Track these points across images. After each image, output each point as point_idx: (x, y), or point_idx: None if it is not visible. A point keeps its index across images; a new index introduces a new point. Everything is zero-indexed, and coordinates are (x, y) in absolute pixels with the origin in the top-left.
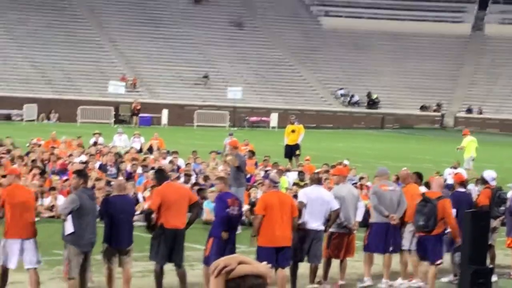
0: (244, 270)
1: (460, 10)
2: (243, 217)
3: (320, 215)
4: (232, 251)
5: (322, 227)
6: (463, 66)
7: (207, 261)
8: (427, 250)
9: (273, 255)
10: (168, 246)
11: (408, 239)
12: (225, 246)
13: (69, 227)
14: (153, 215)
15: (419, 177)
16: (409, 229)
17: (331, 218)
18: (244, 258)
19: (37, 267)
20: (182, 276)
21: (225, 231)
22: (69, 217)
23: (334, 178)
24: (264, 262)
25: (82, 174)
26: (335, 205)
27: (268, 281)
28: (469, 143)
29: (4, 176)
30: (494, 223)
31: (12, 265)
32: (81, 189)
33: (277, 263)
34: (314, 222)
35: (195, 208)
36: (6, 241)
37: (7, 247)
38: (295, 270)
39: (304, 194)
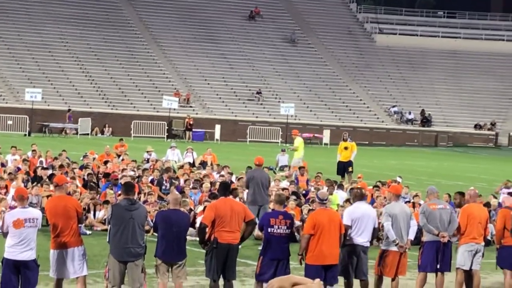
0: None
1: None
2: (296, 233)
3: (366, 231)
4: (284, 268)
5: (368, 243)
6: None
7: (258, 278)
8: None
9: (321, 273)
10: (221, 261)
11: (465, 259)
12: (276, 265)
13: (108, 236)
14: (207, 230)
15: (463, 196)
16: (468, 249)
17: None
18: (298, 279)
19: (85, 275)
20: None
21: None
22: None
23: (388, 195)
24: (317, 280)
25: (123, 185)
26: (375, 224)
27: None
28: (301, 144)
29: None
30: None
31: (63, 275)
32: (121, 200)
33: (325, 281)
34: (360, 237)
35: (250, 226)
36: (53, 252)
37: (55, 258)
38: (349, 286)
39: (348, 216)
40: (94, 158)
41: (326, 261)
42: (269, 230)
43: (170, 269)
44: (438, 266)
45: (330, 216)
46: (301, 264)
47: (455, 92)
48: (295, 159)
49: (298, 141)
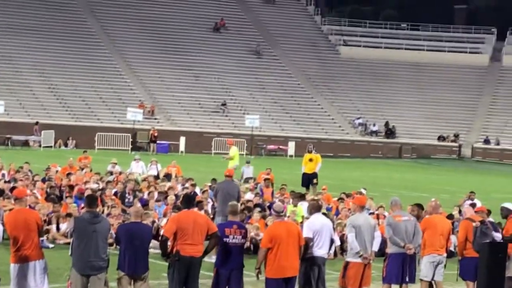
0: None
1: (479, 41)
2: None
3: (326, 243)
4: (238, 280)
5: (327, 255)
6: (481, 97)
7: None
8: None
9: (282, 286)
10: (183, 274)
11: (427, 270)
12: (229, 275)
13: (70, 249)
14: (169, 243)
15: (421, 208)
16: (430, 260)
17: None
18: None
19: None
20: None
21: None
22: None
23: (352, 206)
24: None
25: (86, 198)
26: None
27: None
28: (236, 153)
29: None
30: None
31: None
32: (83, 212)
33: None
34: (321, 250)
35: (213, 238)
36: (14, 266)
37: (15, 272)
38: None
39: (308, 228)
40: (57, 171)
41: (286, 274)
42: (224, 240)
43: (132, 282)
44: (405, 278)
45: (288, 229)
46: (258, 278)
47: (419, 104)
48: (232, 166)
49: (233, 151)
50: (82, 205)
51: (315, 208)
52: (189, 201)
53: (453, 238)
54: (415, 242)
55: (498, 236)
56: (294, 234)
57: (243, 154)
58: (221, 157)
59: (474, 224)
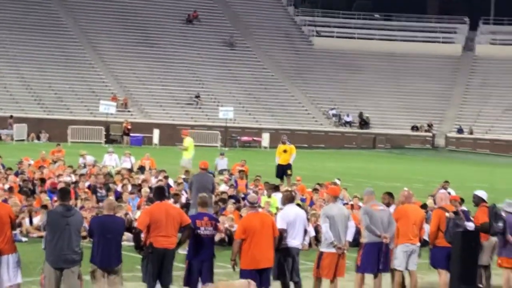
0: None
1: (451, 31)
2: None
3: (300, 233)
4: (209, 271)
5: (301, 246)
6: (454, 87)
7: (187, 282)
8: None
9: (256, 277)
10: (157, 266)
11: (401, 259)
12: (201, 267)
13: (43, 243)
14: (142, 235)
15: (391, 196)
16: (403, 249)
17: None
18: (238, 286)
19: (19, 283)
20: None
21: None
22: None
23: (326, 197)
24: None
25: (59, 191)
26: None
27: None
28: (191, 144)
29: None
30: (494, 239)
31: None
32: (56, 206)
33: (260, 285)
34: (295, 240)
35: (186, 230)
36: None
37: None
38: None
39: (282, 219)
40: (29, 164)
41: (260, 265)
42: (196, 232)
43: (106, 275)
44: (380, 267)
45: (262, 220)
46: (234, 269)
47: (393, 94)
48: (184, 159)
49: (188, 141)
50: (55, 198)
51: (288, 199)
52: (161, 193)
53: (426, 227)
54: (389, 232)
55: (471, 226)
56: (268, 225)
57: (217, 146)
58: (177, 147)
59: (447, 214)
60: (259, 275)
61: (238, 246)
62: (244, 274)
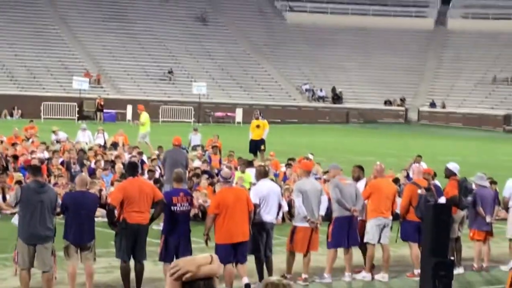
0: (203, 274)
1: (424, 5)
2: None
3: (274, 208)
4: (186, 247)
5: (275, 220)
6: (427, 61)
7: (163, 258)
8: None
9: (231, 252)
10: (131, 242)
11: (373, 233)
12: (178, 242)
13: (15, 219)
14: (116, 211)
15: (361, 170)
16: (376, 223)
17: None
18: (201, 260)
19: None
20: (138, 273)
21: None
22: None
23: (299, 172)
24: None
25: (30, 168)
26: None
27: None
28: (147, 119)
29: None
30: (462, 213)
31: None
32: (29, 182)
33: (235, 259)
34: (268, 215)
35: (159, 205)
36: None
37: None
38: (260, 263)
39: (255, 194)
40: (1, 141)
41: (234, 239)
42: (172, 208)
43: (79, 251)
44: (348, 241)
45: (236, 194)
46: (206, 244)
47: (365, 69)
48: (141, 133)
49: (144, 116)
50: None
51: (262, 173)
52: (134, 169)
53: (398, 201)
54: (358, 205)
55: (442, 200)
56: (242, 199)
57: (190, 122)
58: (133, 122)
59: (419, 191)
60: (234, 250)
61: (211, 221)
62: (219, 248)
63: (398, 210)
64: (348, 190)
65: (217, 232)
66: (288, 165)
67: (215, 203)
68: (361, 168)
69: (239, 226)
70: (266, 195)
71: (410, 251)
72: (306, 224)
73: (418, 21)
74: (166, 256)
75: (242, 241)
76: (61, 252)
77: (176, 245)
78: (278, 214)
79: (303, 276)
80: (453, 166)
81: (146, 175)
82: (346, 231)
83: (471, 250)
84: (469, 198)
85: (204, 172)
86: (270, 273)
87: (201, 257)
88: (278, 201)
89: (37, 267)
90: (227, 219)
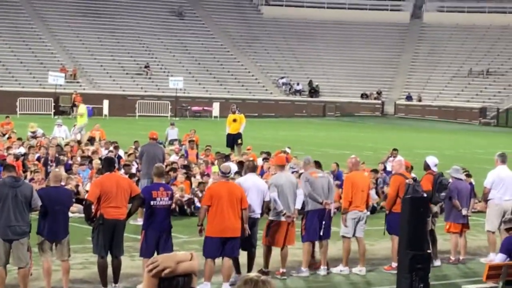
0: (182, 270)
1: None
2: (186, 207)
3: (257, 203)
4: (167, 242)
5: (258, 215)
6: (403, 54)
7: (143, 254)
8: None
9: (219, 245)
10: (108, 237)
11: (351, 227)
12: (158, 238)
13: None
14: (93, 207)
15: (318, 165)
16: (351, 216)
17: (265, 208)
18: (180, 256)
19: None
20: (115, 268)
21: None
22: None
23: (273, 166)
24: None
25: (3, 165)
26: (267, 197)
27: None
28: (85, 111)
29: None
30: (435, 208)
31: None
32: (4, 177)
33: (224, 253)
34: (250, 209)
35: (136, 200)
36: None
37: None
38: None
39: (238, 185)
40: None
41: (224, 233)
42: (152, 203)
43: (53, 247)
44: (321, 234)
45: (230, 189)
46: (200, 235)
47: (342, 62)
48: (80, 125)
49: (83, 108)
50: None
51: (250, 168)
52: (110, 164)
53: (372, 193)
54: (330, 198)
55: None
56: (236, 195)
57: (167, 116)
58: (72, 115)
59: (407, 180)
60: (223, 245)
61: (204, 212)
62: (207, 242)
63: (374, 203)
64: (319, 182)
65: (208, 224)
66: (265, 159)
67: (208, 195)
68: (317, 163)
69: (228, 221)
70: (247, 189)
71: (392, 243)
72: (282, 218)
73: (394, 15)
74: (146, 251)
75: (232, 237)
76: (36, 248)
77: (156, 240)
78: (262, 209)
79: (281, 270)
80: (431, 160)
81: (122, 170)
82: (318, 224)
83: (447, 243)
84: (443, 194)
85: (184, 166)
86: (250, 269)
87: (181, 254)
88: (263, 196)
89: (13, 264)
90: (218, 213)
